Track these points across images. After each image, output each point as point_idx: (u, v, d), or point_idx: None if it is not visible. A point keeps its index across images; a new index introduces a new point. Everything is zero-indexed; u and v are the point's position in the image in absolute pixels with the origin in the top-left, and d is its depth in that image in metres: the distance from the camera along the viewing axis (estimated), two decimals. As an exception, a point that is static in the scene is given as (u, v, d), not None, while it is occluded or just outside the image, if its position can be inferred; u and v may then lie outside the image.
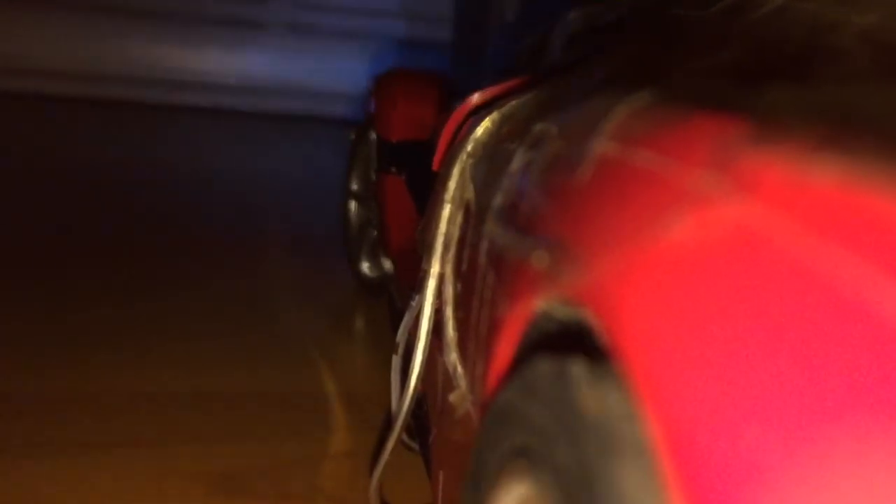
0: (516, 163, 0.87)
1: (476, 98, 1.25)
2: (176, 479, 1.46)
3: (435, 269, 1.09)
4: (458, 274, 1.02)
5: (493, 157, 1.01)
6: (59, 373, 1.74)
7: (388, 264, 2.10)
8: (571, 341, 0.63)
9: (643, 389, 0.49)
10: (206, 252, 2.51)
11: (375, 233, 2.28)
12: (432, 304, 1.09)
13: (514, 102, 1.08)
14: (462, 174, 1.08)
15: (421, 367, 1.11)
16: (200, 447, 1.57)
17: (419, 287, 1.12)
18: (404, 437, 1.34)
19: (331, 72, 4.77)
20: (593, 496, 0.53)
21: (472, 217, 0.99)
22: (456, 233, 1.06)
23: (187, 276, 2.40)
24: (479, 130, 1.09)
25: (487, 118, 1.09)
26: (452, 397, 0.99)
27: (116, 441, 1.55)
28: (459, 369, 0.99)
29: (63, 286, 2.23)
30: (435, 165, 1.33)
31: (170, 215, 2.88)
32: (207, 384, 1.82)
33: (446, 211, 1.08)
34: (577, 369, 0.58)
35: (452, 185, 1.09)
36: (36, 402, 1.59)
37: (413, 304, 1.16)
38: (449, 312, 1.05)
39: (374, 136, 2.26)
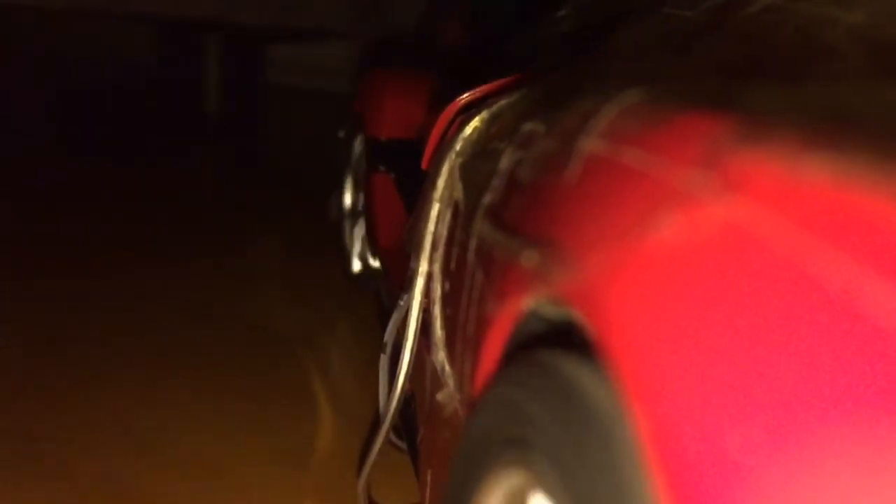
0: (505, 162, 0.87)
1: (465, 97, 1.25)
2: (168, 471, 1.46)
3: (423, 267, 1.08)
4: (447, 273, 1.02)
5: (481, 156, 1.00)
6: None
7: (376, 263, 2.09)
8: (560, 340, 0.63)
9: (630, 387, 0.49)
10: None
11: (364, 231, 2.28)
12: (420, 303, 1.09)
13: (502, 101, 1.08)
14: (451, 173, 1.07)
15: (409, 366, 1.11)
16: (188, 443, 1.57)
17: (407, 286, 1.12)
18: (392, 436, 1.34)
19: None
20: (585, 487, 0.53)
21: (461, 216, 0.99)
22: (444, 232, 1.05)
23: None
24: (468, 129, 1.08)
25: (476, 117, 1.09)
26: (440, 396, 0.99)
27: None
28: (447, 368, 0.98)
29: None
30: (424, 164, 1.33)
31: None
32: (196, 382, 1.82)
33: (435, 210, 1.08)
34: (570, 364, 0.58)
35: (441, 183, 1.08)
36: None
37: (401, 303, 1.15)
38: (437, 311, 1.04)
39: (362, 134, 2.26)
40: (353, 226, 2.39)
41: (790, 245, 0.41)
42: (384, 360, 1.28)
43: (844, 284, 0.38)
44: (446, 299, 1.01)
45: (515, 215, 0.79)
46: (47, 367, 1.81)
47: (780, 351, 0.40)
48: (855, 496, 0.36)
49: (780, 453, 0.38)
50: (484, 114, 1.08)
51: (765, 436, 0.39)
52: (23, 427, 1.57)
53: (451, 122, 1.21)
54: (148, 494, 1.41)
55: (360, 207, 2.33)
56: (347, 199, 2.42)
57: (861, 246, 0.39)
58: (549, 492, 0.57)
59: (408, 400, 1.21)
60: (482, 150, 1.02)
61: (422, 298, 1.09)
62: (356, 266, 2.36)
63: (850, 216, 0.40)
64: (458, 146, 1.08)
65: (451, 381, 0.97)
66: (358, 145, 2.33)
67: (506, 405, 0.66)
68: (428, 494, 1.06)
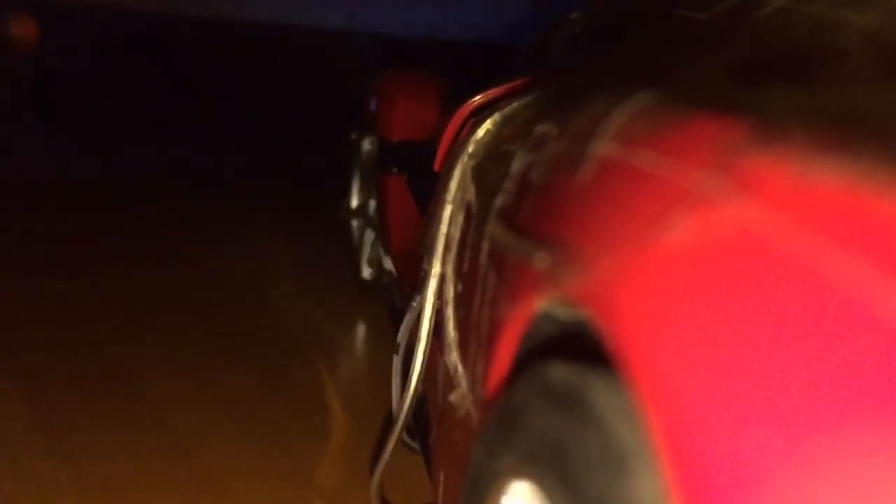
0: (517, 164, 0.87)
1: (478, 99, 1.25)
2: (167, 479, 1.46)
3: (436, 269, 1.09)
4: (459, 274, 1.02)
5: (494, 158, 1.01)
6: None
7: (388, 265, 2.09)
8: (572, 342, 0.63)
9: (644, 390, 0.49)
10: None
11: (376, 234, 2.28)
12: (433, 305, 1.09)
13: (515, 104, 1.08)
14: (463, 175, 1.08)
15: (422, 367, 1.11)
16: (197, 445, 1.57)
17: (420, 287, 1.12)
18: (405, 437, 1.34)
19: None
20: (599, 497, 0.53)
21: (474, 218, 0.99)
22: (457, 233, 1.06)
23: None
24: (481, 132, 1.09)
25: (489, 119, 1.09)
26: (453, 397, 0.99)
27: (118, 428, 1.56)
28: (460, 369, 0.99)
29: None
30: (436, 166, 1.33)
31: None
32: (207, 383, 1.82)
33: (447, 211, 1.08)
34: (583, 373, 0.58)
35: (454, 185, 1.09)
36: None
37: (414, 304, 1.16)
38: (449, 313, 1.05)
39: (374, 136, 2.26)
40: (363, 227, 2.39)
41: (803, 248, 0.42)
42: (397, 361, 1.28)
43: (857, 287, 0.38)
44: (459, 301, 1.01)
45: (528, 217, 0.79)
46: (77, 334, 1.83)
47: (793, 353, 0.40)
48: (867, 496, 0.36)
49: (793, 455, 0.38)
50: (496, 116, 1.08)
51: (778, 437, 0.39)
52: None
53: (464, 124, 1.21)
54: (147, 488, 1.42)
55: (370, 209, 2.34)
56: (357, 201, 2.42)
57: (873, 248, 0.39)
58: (560, 497, 0.57)
59: (420, 401, 1.21)
60: (494, 152, 1.02)
61: (434, 300, 1.09)
62: (366, 269, 2.37)
63: (862, 219, 0.40)
64: (470, 148, 1.08)
65: (463, 382, 0.97)
66: (369, 147, 2.34)
67: (518, 416, 0.66)
68: (441, 494, 1.06)
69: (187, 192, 3.42)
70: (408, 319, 1.21)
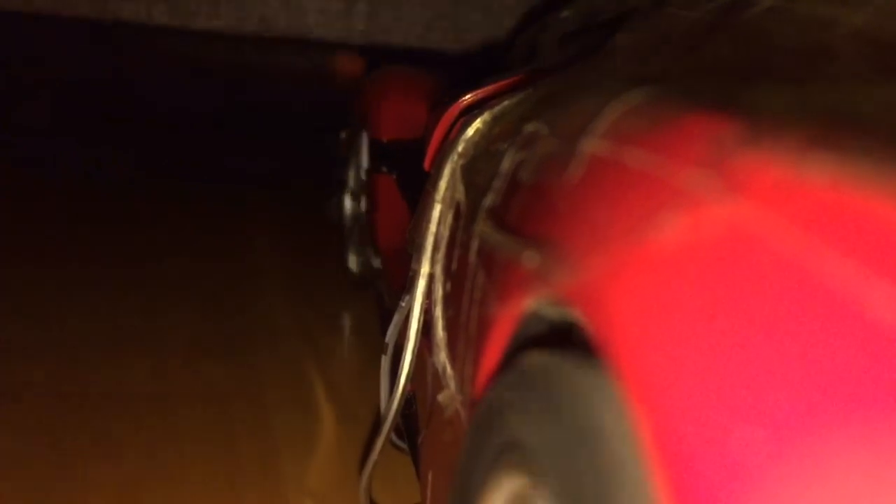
0: (507, 163, 0.87)
1: (468, 98, 1.25)
2: (164, 476, 1.45)
3: (425, 269, 1.08)
4: (448, 274, 1.02)
5: (483, 157, 1.00)
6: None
7: (377, 264, 2.09)
8: (561, 341, 0.62)
9: (631, 388, 0.49)
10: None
11: (367, 233, 2.27)
12: (422, 305, 1.09)
13: (505, 102, 1.07)
14: (453, 174, 1.07)
15: (410, 367, 1.11)
16: (188, 443, 1.56)
17: (409, 287, 1.11)
18: (393, 437, 1.34)
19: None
20: (587, 491, 0.52)
21: (463, 217, 0.99)
22: (446, 233, 1.05)
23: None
24: (471, 131, 1.08)
25: (479, 119, 1.08)
26: (441, 397, 0.98)
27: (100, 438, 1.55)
28: (448, 369, 0.98)
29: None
30: (426, 165, 1.32)
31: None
32: (192, 382, 1.81)
33: (437, 211, 1.08)
34: (570, 365, 0.58)
35: (443, 185, 1.08)
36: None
37: (402, 304, 1.15)
38: (438, 312, 1.04)
39: (364, 135, 2.26)
40: (353, 226, 2.38)
41: (793, 246, 0.41)
42: (385, 361, 1.28)
43: (847, 285, 0.38)
44: (448, 300, 1.01)
45: (517, 216, 0.79)
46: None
47: (783, 351, 0.40)
48: (858, 496, 0.36)
49: (782, 454, 0.38)
50: (486, 115, 1.08)
51: (767, 436, 0.39)
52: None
53: (454, 123, 1.21)
54: (146, 489, 1.41)
55: (360, 208, 2.33)
56: (348, 201, 2.42)
57: (863, 247, 0.38)
58: (549, 495, 0.57)
59: (409, 401, 1.21)
60: (484, 151, 1.02)
61: (423, 299, 1.08)
62: (356, 268, 2.36)
63: (852, 217, 0.40)
64: (460, 147, 1.08)
65: (452, 383, 0.97)
66: (360, 146, 2.33)
67: (506, 409, 0.66)
68: (429, 495, 1.05)
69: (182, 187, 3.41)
70: (396, 319, 1.20)
